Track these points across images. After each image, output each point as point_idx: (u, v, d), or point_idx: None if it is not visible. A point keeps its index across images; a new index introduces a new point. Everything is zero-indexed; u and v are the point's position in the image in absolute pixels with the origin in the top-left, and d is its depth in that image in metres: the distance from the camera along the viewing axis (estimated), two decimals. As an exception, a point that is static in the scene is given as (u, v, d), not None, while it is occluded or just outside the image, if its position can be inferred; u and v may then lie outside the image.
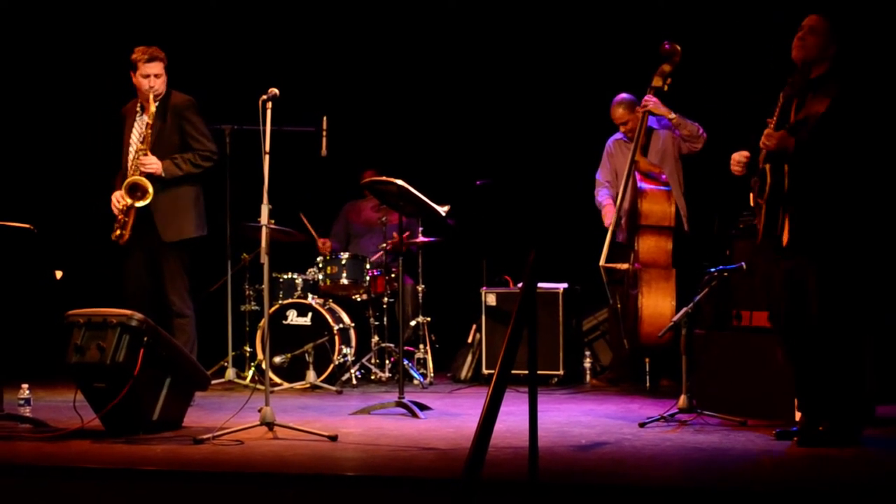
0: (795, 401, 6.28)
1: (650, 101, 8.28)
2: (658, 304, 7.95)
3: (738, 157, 6.14)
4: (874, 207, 5.95)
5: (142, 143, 7.33)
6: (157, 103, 7.37)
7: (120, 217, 7.30)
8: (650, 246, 8.08)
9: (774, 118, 5.92)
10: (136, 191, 7.25)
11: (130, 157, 7.37)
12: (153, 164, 7.29)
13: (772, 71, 6.14)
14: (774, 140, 5.86)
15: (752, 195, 6.09)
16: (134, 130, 7.42)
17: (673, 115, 8.31)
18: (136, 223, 7.32)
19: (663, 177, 8.21)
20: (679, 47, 8.19)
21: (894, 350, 6.84)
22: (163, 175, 7.30)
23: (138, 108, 7.45)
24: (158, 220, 7.35)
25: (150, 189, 7.23)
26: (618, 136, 8.74)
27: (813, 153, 5.78)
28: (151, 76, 7.34)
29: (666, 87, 8.28)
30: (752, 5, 8.78)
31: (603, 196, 8.69)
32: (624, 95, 8.58)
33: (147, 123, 7.34)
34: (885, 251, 6.50)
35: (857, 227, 5.81)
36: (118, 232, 7.32)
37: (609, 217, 8.48)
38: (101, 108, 8.53)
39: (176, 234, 7.39)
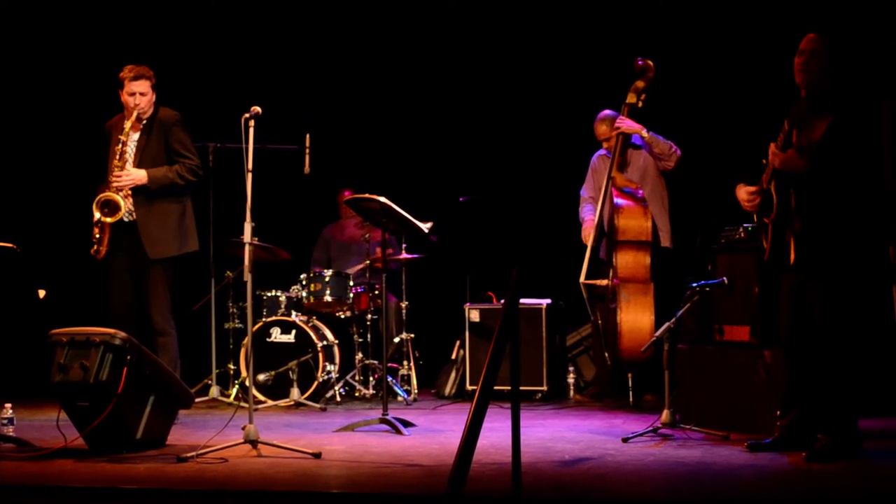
0: (778, 414, 6.31)
1: (623, 123, 8.33)
2: (637, 318, 7.97)
3: (745, 195, 6.12)
4: (873, 220, 5.96)
5: (118, 160, 7.34)
6: (144, 120, 7.41)
7: (95, 232, 7.32)
8: (628, 261, 8.11)
9: (780, 140, 5.94)
10: (106, 207, 7.27)
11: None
12: (129, 178, 7.30)
13: (760, 86, 6.16)
14: (780, 159, 5.88)
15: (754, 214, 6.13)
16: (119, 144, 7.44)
17: (646, 133, 8.35)
18: (117, 239, 7.33)
19: (640, 192, 8.25)
20: (652, 63, 8.24)
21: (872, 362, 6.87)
22: (147, 183, 7.32)
23: (124, 125, 7.45)
24: (144, 236, 7.36)
25: (122, 206, 7.24)
26: (602, 151, 8.78)
27: (816, 172, 5.81)
28: (137, 94, 7.36)
29: (640, 104, 8.33)
30: (733, 19, 8.83)
31: (587, 212, 8.73)
32: (607, 112, 8.63)
33: (122, 141, 7.35)
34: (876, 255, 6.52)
35: (861, 244, 5.85)
36: (95, 247, 7.33)
37: (588, 233, 8.51)
38: (85, 124, 8.53)
39: (159, 252, 7.39)
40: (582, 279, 8.38)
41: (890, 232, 5.87)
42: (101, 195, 7.30)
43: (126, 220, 7.36)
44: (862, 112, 5.87)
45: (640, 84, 8.30)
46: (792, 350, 6.05)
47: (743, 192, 6.15)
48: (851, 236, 5.83)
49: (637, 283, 8.07)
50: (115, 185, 7.31)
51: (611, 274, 8.19)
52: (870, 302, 6.28)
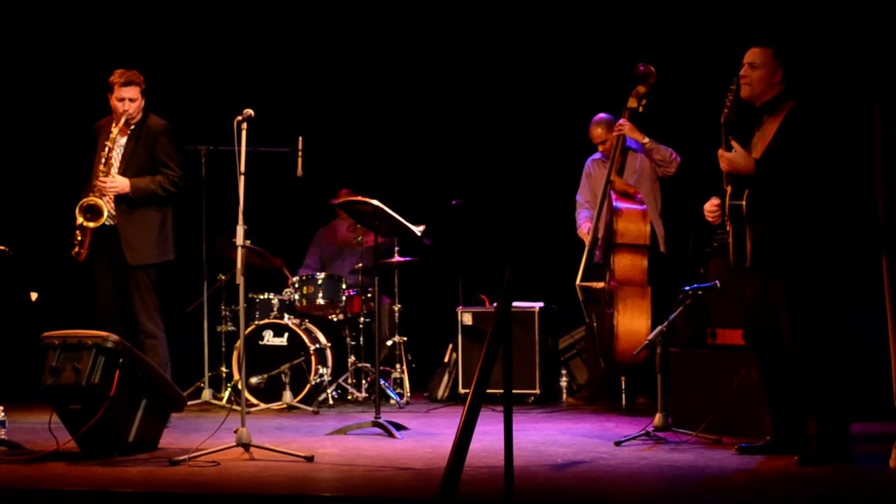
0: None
1: (624, 125, 8.34)
2: (633, 322, 7.98)
3: (710, 206, 6.22)
4: (834, 220, 5.97)
5: (104, 164, 7.33)
6: (132, 126, 7.39)
7: (77, 235, 7.31)
8: (625, 264, 8.12)
9: (723, 145, 5.99)
10: (89, 212, 7.27)
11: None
12: (115, 185, 7.29)
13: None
14: (725, 160, 5.94)
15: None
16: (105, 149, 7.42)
17: (646, 140, 8.37)
18: (99, 243, 7.32)
19: (639, 196, 8.26)
20: (654, 69, 8.25)
21: (863, 365, 6.87)
22: (129, 192, 7.31)
23: (112, 129, 7.44)
24: (124, 242, 7.35)
25: (105, 212, 7.23)
26: (596, 155, 8.79)
27: (767, 172, 5.85)
28: (126, 100, 7.36)
29: (641, 109, 8.35)
30: (727, 27, 8.82)
31: (583, 219, 8.72)
32: (602, 115, 8.63)
33: (108, 147, 7.34)
34: (851, 257, 6.51)
35: (817, 243, 5.86)
36: (76, 249, 7.34)
37: (584, 230, 8.53)
38: (76, 127, 8.51)
39: (138, 259, 7.37)
40: (578, 281, 8.39)
41: (882, 240, 5.84)
42: (84, 200, 7.29)
43: (108, 224, 7.35)
44: (818, 115, 5.90)
45: (641, 89, 8.31)
46: (765, 355, 6.06)
47: (707, 204, 6.23)
48: (808, 237, 5.84)
49: (634, 287, 8.07)
50: (99, 190, 7.29)
51: (607, 277, 8.19)
52: (842, 304, 6.28)
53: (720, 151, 5.99)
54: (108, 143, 7.35)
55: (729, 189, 5.98)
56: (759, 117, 6.06)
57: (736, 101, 6.05)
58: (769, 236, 5.89)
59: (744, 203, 5.91)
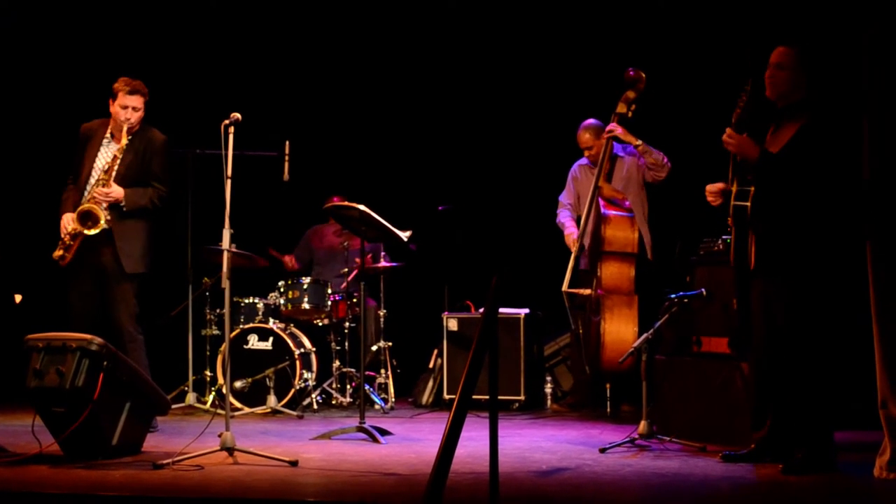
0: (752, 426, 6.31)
1: (616, 128, 8.31)
2: (620, 330, 7.97)
3: (712, 188, 6.20)
4: (839, 227, 5.95)
5: (105, 172, 7.26)
6: (130, 136, 7.33)
7: (66, 239, 7.24)
8: (613, 272, 8.11)
9: (732, 124, 5.97)
10: (87, 219, 7.19)
11: (91, 181, 7.30)
12: (114, 194, 7.22)
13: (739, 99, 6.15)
14: (735, 141, 5.92)
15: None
16: (100, 156, 7.33)
17: (639, 143, 8.35)
18: (87, 249, 7.25)
19: (626, 203, 8.25)
20: (644, 74, 8.22)
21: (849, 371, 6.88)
22: (122, 204, 7.26)
23: (108, 135, 7.36)
24: (120, 250, 7.25)
25: (102, 220, 7.17)
26: (583, 160, 8.77)
27: (778, 174, 5.82)
28: (130, 108, 7.28)
29: (630, 114, 8.31)
30: (719, 33, 8.84)
31: (564, 217, 8.73)
32: (591, 121, 8.61)
33: (115, 156, 7.26)
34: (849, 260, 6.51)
35: (821, 246, 5.84)
36: (61, 253, 7.24)
37: (572, 237, 8.51)
38: (60, 129, 8.48)
39: (134, 267, 7.29)
40: (565, 287, 8.37)
41: (868, 251, 5.84)
42: (82, 206, 7.19)
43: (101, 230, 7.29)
44: (835, 120, 5.88)
45: (630, 94, 8.27)
46: (761, 360, 6.06)
47: (710, 186, 6.21)
48: (814, 241, 5.82)
49: (621, 295, 8.06)
50: (98, 198, 7.21)
51: (594, 284, 8.18)
52: (840, 310, 6.28)
53: (730, 130, 5.94)
54: (117, 153, 7.25)
55: (734, 189, 5.96)
56: (778, 120, 6.01)
57: (749, 102, 6.00)
58: (773, 238, 5.86)
59: (748, 204, 5.90)
